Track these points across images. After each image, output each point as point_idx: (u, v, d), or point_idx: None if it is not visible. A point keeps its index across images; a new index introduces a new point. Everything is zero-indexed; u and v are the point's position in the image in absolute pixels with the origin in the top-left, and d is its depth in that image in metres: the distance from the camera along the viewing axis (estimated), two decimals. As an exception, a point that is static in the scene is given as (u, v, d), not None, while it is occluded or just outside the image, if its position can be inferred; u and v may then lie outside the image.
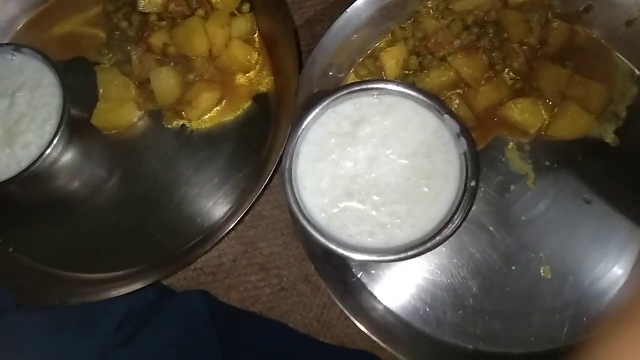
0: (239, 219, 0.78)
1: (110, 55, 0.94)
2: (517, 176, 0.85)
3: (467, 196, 0.75)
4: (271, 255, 0.88)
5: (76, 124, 0.90)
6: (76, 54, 0.96)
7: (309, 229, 0.75)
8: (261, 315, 0.84)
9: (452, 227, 0.74)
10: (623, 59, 0.87)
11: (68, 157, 0.91)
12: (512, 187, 0.84)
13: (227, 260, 0.88)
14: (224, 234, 0.78)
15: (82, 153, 0.92)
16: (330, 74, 0.89)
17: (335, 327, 0.84)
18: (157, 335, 0.76)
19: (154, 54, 0.90)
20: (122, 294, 0.77)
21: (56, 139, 0.84)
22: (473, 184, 0.75)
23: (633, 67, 0.86)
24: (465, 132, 0.77)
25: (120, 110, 0.90)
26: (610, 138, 0.84)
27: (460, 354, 0.78)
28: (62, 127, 0.85)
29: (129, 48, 0.90)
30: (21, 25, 0.99)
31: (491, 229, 0.83)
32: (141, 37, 0.90)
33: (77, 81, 0.92)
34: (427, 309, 0.81)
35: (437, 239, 0.74)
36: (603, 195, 0.82)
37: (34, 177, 0.86)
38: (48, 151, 0.84)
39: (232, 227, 0.78)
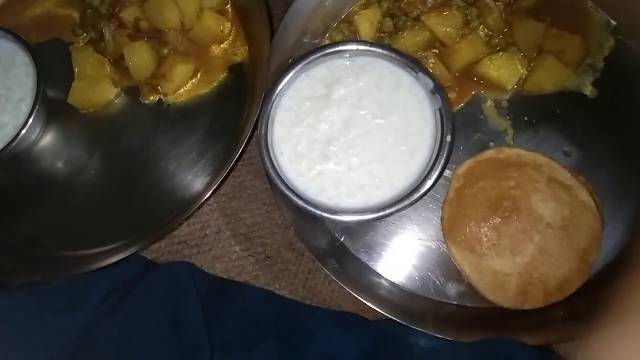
0: (216, 186, 0.78)
1: (85, 34, 0.93)
2: (496, 133, 0.84)
3: (443, 152, 0.74)
4: (254, 225, 0.88)
5: (54, 105, 0.91)
6: (51, 35, 0.96)
7: (288, 193, 0.75)
8: (246, 283, 0.84)
9: (429, 183, 0.74)
10: (598, 9, 0.86)
11: (47, 137, 0.92)
12: (492, 144, 0.84)
13: (210, 232, 0.88)
14: (202, 202, 0.78)
15: (61, 133, 0.92)
16: (305, 40, 0.88)
17: (320, 292, 0.84)
18: (141, 305, 0.77)
19: (126, 30, 0.89)
20: (103, 265, 0.77)
21: (32, 119, 0.84)
22: (449, 139, 0.75)
23: (609, 18, 0.85)
24: (439, 88, 0.76)
25: (97, 88, 0.90)
26: (588, 90, 0.84)
27: (444, 310, 0.78)
28: (38, 107, 0.85)
29: (101, 25, 0.90)
30: (-7, 8, 0.99)
31: (472, 186, 0.83)
32: (113, 13, 0.90)
33: (53, 62, 0.92)
34: (411, 269, 0.81)
35: (415, 195, 0.74)
36: (582, 147, 0.82)
37: (14, 158, 0.87)
38: (24, 131, 0.84)
39: (210, 195, 0.78)
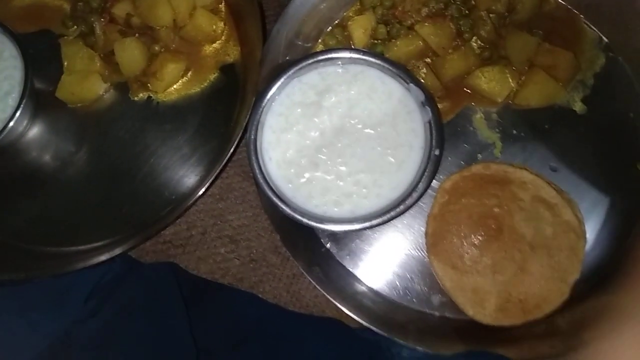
0: (204, 188, 0.77)
1: (75, 27, 0.92)
2: (484, 145, 0.85)
3: (431, 164, 0.75)
4: (240, 227, 0.88)
5: (41, 98, 0.89)
6: (39, 26, 0.94)
7: (275, 200, 0.75)
8: (230, 286, 0.85)
9: (415, 195, 0.74)
10: (591, 26, 0.86)
11: (34, 131, 0.90)
12: (480, 155, 0.84)
13: (196, 232, 0.88)
14: (189, 204, 0.78)
15: (48, 127, 0.91)
16: (298, 43, 0.88)
17: (304, 297, 0.84)
18: (124, 305, 0.77)
19: (117, 25, 0.88)
20: (88, 265, 0.77)
21: (19, 112, 0.83)
22: (437, 152, 0.75)
23: (601, 35, 0.86)
24: (430, 100, 0.77)
25: (85, 83, 0.89)
26: (577, 106, 0.84)
27: (426, 321, 0.79)
28: (25, 100, 0.84)
29: (92, 19, 0.89)
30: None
31: (458, 197, 0.83)
32: (104, 8, 0.88)
33: (41, 54, 0.91)
34: (394, 278, 0.82)
35: (401, 207, 0.74)
36: (569, 163, 0.83)
37: (-1, 151, 0.86)
38: (11, 124, 0.83)
39: (198, 197, 0.78)
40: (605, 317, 0.66)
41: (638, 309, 0.62)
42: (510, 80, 0.84)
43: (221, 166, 0.78)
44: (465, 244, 0.77)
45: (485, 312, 0.75)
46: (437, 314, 0.80)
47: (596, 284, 0.78)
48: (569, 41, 0.85)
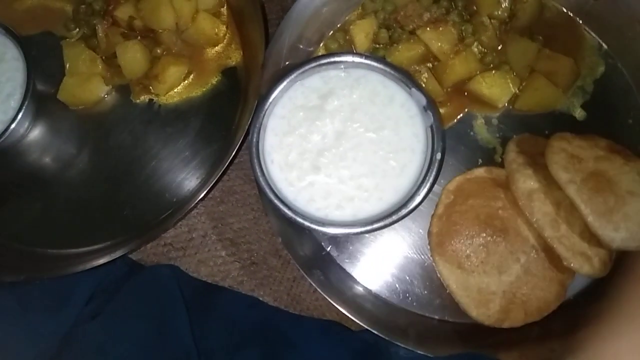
0: (205, 191, 0.78)
1: (77, 29, 0.92)
2: (485, 149, 0.85)
3: (433, 169, 0.75)
4: (241, 230, 0.88)
5: (43, 99, 0.89)
6: (42, 28, 0.94)
7: (277, 202, 0.76)
8: (231, 288, 0.85)
9: (417, 199, 0.74)
10: (591, 32, 0.87)
11: (35, 132, 0.90)
12: (480, 160, 0.85)
13: (197, 235, 0.88)
14: (191, 207, 0.78)
15: (50, 129, 0.91)
16: (300, 47, 0.88)
17: (304, 300, 0.84)
18: (125, 307, 0.77)
19: (119, 28, 0.88)
20: (89, 267, 0.77)
21: (20, 114, 0.84)
22: (438, 156, 0.75)
23: (601, 41, 0.87)
24: (431, 105, 0.77)
25: (87, 85, 0.89)
26: (577, 112, 0.85)
27: (426, 324, 0.79)
28: (27, 102, 0.84)
29: (94, 22, 0.89)
30: (-18, -1, 0.97)
31: (459, 202, 0.83)
32: (107, 11, 0.88)
33: (43, 56, 0.91)
34: (395, 281, 0.82)
35: (403, 211, 0.74)
36: (568, 168, 0.83)
37: (0, 153, 0.86)
38: (13, 126, 0.83)
39: (199, 201, 0.78)
40: (604, 320, 0.66)
41: (636, 311, 0.62)
42: (511, 85, 0.84)
43: (223, 169, 0.78)
44: (472, 243, 0.77)
45: (488, 313, 0.75)
46: (437, 317, 0.80)
47: (594, 287, 0.79)
48: (569, 47, 0.86)
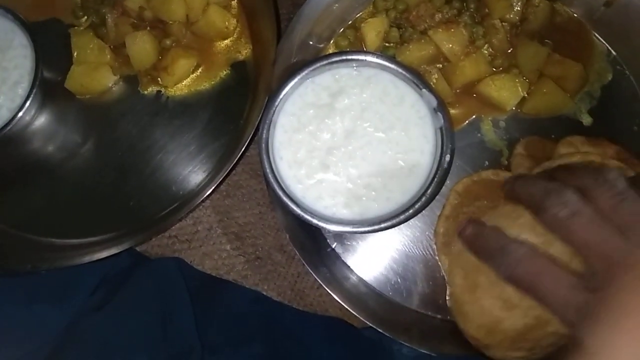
0: (214, 187, 0.78)
1: (85, 17, 0.91)
2: (491, 152, 0.85)
3: (441, 170, 0.75)
4: (247, 224, 0.88)
5: (50, 88, 0.88)
6: (49, 15, 0.93)
7: (285, 199, 0.76)
8: (235, 282, 0.85)
9: (425, 200, 0.75)
10: (601, 39, 0.87)
11: (41, 120, 0.90)
12: (487, 162, 0.85)
13: (202, 228, 0.88)
14: (199, 202, 0.78)
15: (56, 117, 0.90)
16: (311, 43, 0.88)
17: (308, 296, 0.85)
18: (130, 299, 0.77)
19: (129, 17, 0.88)
20: (95, 259, 0.77)
21: (28, 102, 0.83)
22: (447, 158, 0.76)
23: (610, 48, 0.87)
24: (442, 106, 0.77)
25: (95, 74, 0.88)
26: (584, 117, 0.86)
27: (428, 323, 0.80)
28: (35, 90, 0.83)
29: (104, 10, 0.88)
30: (-10, -16, 0.95)
31: (464, 203, 0.84)
32: (116, 0, 0.88)
33: (51, 43, 0.89)
34: (399, 279, 0.83)
35: (410, 211, 0.75)
36: (574, 173, 0.84)
37: (6, 140, 0.85)
38: (20, 114, 0.83)
39: (207, 195, 0.78)
40: (603, 314, 0.66)
41: (636, 306, 0.62)
42: (520, 89, 0.85)
43: (233, 163, 0.78)
44: None
45: None
46: (440, 316, 0.81)
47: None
48: (579, 53, 0.86)
